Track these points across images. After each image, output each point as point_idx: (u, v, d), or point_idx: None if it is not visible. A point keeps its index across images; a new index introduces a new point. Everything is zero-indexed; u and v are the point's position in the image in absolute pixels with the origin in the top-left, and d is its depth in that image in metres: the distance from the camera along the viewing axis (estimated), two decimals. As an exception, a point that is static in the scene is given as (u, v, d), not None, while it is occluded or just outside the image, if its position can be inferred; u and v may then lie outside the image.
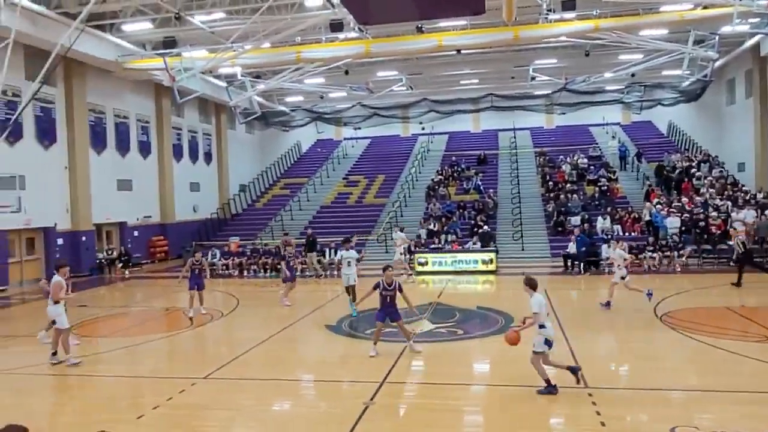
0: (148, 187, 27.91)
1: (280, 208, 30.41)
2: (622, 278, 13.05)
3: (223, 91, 28.35)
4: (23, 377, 9.54)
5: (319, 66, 23.74)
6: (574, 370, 7.85)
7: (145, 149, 27.81)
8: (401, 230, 20.64)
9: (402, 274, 18.48)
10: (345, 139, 38.80)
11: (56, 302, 10.01)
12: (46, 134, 22.02)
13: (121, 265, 23.95)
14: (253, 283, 20.08)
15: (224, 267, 22.70)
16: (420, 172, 32.18)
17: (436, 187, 28.56)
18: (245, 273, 22.02)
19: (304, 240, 21.59)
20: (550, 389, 7.65)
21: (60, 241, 22.48)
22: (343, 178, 33.06)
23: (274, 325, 12.60)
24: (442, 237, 22.78)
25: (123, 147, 26.31)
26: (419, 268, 20.49)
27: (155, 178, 28.47)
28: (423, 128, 35.67)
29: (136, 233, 26.89)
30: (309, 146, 40.06)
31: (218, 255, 23.01)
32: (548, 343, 7.69)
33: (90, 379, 9.45)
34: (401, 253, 19.56)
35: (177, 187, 29.67)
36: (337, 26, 19.76)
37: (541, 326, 7.69)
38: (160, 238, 28.14)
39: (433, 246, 22.14)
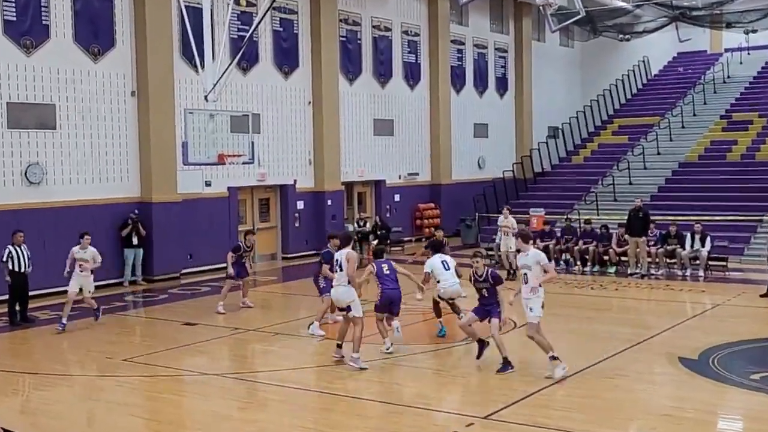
0: (415, 131, 29.71)
1: (611, 165, 30.18)
2: None
3: (527, -19, 28.48)
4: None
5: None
6: None
7: (411, 74, 29.60)
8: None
9: None
10: (727, 50, 37.72)
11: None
12: (286, 57, 24.76)
13: (375, 241, 25.83)
14: (564, 280, 19.84)
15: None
16: None
17: None
18: (554, 264, 21.88)
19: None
20: None
21: (300, 205, 25.26)
22: (722, 117, 32.35)
23: (595, 350, 12.59)
24: None
25: (382, 72, 28.37)
26: None
27: (425, 117, 30.17)
28: None
29: (397, 197, 28.91)
30: (663, 65, 39.48)
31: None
32: None
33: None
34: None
35: (455, 131, 31.04)
36: None
37: None
38: (430, 206, 29.81)
39: None
